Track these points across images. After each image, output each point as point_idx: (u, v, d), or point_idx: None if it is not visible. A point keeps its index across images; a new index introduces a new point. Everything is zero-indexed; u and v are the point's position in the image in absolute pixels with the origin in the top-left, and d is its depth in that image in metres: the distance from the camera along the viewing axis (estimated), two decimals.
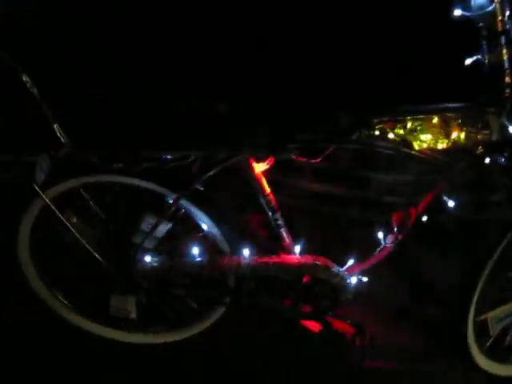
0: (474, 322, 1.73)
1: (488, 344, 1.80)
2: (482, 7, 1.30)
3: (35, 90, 1.41)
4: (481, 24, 1.32)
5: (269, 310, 1.79)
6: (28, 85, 1.39)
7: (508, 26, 1.31)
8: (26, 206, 1.67)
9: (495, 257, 1.62)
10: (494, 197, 1.83)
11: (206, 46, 1.86)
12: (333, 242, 1.75)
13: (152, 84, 1.67)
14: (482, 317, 1.73)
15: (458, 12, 1.32)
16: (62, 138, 1.46)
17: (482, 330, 1.76)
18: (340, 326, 1.76)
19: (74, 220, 1.73)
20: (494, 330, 1.77)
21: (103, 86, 1.56)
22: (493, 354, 1.81)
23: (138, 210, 1.69)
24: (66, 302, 1.90)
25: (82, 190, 1.70)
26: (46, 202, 1.63)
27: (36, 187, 1.59)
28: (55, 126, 1.44)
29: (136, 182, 1.63)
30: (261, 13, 1.87)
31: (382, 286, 1.87)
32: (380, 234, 1.70)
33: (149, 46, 1.83)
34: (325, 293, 1.73)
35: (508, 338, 1.83)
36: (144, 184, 1.63)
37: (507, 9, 1.30)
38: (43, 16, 1.50)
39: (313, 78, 1.82)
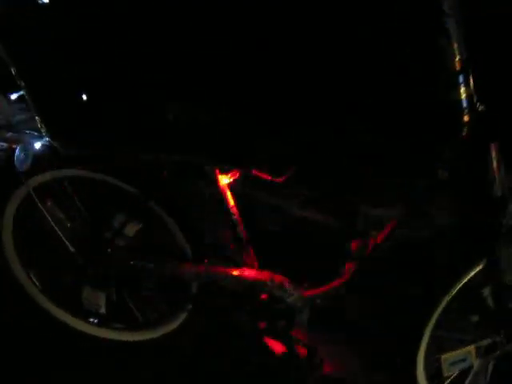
0: (425, 361, 1.71)
1: None
2: None
3: (22, 83, 1.53)
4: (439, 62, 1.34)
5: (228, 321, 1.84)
6: (15, 76, 1.51)
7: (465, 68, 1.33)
8: (9, 194, 1.79)
9: (451, 295, 1.61)
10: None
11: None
12: (297, 262, 1.76)
13: (141, 86, 1.76)
14: (437, 356, 1.71)
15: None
16: (42, 130, 1.57)
17: (435, 370, 1.74)
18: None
19: (54, 210, 1.84)
20: (449, 371, 1.74)
21: (90, 84, 1.66)
22: None
23: (112, 208, 1.78)
24: (41, 288, 2.01)
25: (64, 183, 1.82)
26: (28, 190, 1.75)
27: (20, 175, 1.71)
28: (37, 118, 1.56)
29: (109, 179, 1.72)
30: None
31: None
32: (339, 260, 1.72)
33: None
34: (279, 312, 1.76)
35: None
36: (117, 182, 1.72)
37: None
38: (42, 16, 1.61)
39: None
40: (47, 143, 1.64)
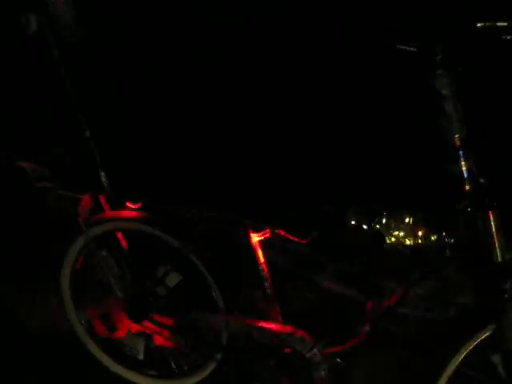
0: None
1: None
2: None
3: (88, 133, 1.81)
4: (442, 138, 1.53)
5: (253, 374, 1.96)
6: (83, 125, 1.80)
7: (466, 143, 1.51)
8: (71, 241, 2.05)
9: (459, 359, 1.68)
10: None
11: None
12: (320, 320, 1.89)
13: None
14: None
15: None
16: (104, 183, 1.84)
17: None
18: None
19: (107, 259, 2.07)
20: None
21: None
22: None
23: (157, 259, 2.00)
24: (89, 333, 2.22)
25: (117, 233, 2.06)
26: (87, 238, 2.01)
27: (82, 224, 1.97)
28: (101, 173, 1.83)
29: (156, 232, 1.95)
30: None
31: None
32: (356, 321, 1.84)
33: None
34: (299, 365, 1.87)
35: None
36: (162, 235, 1.94)
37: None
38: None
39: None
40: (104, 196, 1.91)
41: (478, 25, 1.44)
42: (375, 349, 1.76)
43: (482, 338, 1.69)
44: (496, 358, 1.70)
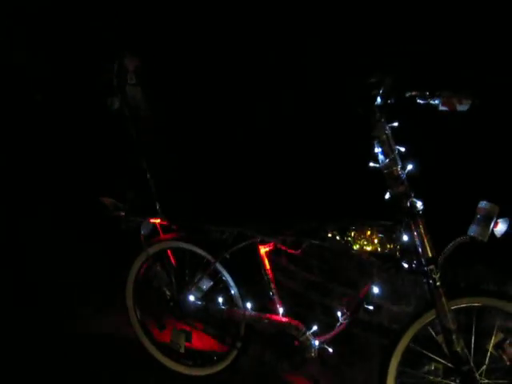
0: None
1: None
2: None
3: (145, 164, 2.54)
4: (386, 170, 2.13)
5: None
6: (145, 172, 2.53)
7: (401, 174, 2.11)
8: (134, 257, 2.75)
9: (409, 336, 2.18)
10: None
11: None
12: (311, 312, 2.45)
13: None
14: None
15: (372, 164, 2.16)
16: (158, 212, 2.56)
17: None
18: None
19: (161, 270, 2.74)
20: None
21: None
22: None
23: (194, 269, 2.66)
24: (144, 330, 2.87)
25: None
26: (148, 254, 2.70)
27: (144, 243, 2.67)
28: (157, 205, 2.55)
29: (195, 248, 2.62)
30: None
31: None
32: (338, 314, 2.38)
33: None
34: (295, 348, 2.42)
35: None
36: (197, 250, 2.61)
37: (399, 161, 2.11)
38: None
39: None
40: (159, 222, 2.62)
41: (407, 94, 2.10)
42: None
43: (427, 321, 2.20)
44: (440, 338, 2.19)
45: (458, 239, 2.10)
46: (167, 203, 2.56)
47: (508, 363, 2.20)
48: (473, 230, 2.08)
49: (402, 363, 2.23)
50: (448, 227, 2.12)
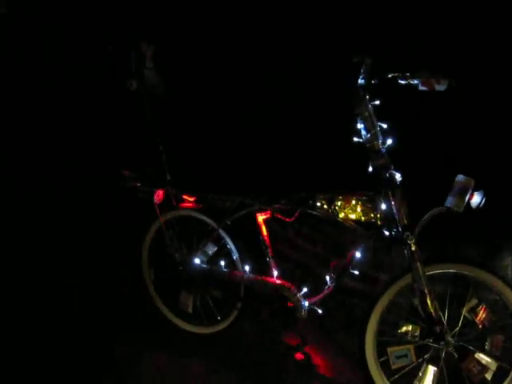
0: (374, 352, 2.39)
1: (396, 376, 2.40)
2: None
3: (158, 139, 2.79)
4: (368, 145, 2.30)
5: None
6: (159, 147, 2.79)
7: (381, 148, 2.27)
8: (151, 222, 3.02)
9: (386, 296, 2.35)
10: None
11: None
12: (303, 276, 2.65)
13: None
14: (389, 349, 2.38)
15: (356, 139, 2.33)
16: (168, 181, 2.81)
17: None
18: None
19: (172, 236, 3.00)
20: (395, 364, 2.38)
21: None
22: None
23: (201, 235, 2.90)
24: (157, 292, 3.14)
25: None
26: (161, 222, 2.96)
27: (157, 212, 2.93)
28: (167, 176, 2.81)
29: (202, 217, 2.86)
30: None
31: None
32: (327, 278, 2.57)
33: None
34: (288, 308, 2.63)
35: None
36: (204, 218, 2.85)
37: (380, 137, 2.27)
38: None
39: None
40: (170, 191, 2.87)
41: (389, 75, 2.27)
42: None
43: (403, 284, 2.36)
44: (416, 301, 2.34)
45: (435, 209, 2.26)
46: (177, 175, 2.81)
47: (480, 327, 2.34)
48: (449, 202, 2.24)
49: (380, 323, 2.39)
50: (429, 199, 2.29)
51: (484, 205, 2.24)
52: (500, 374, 2.34)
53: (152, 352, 2.90)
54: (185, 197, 2.86)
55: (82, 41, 3.69)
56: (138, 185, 2.90)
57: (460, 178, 2.25)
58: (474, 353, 2.33)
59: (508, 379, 2.34)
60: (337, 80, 2.34)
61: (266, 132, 3.04)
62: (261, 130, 3.06)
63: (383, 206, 2.31)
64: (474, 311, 2.36)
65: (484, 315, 2.35)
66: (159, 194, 2.84)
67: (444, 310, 2.35)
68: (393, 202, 2.27)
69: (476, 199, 2.24)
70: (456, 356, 2.34)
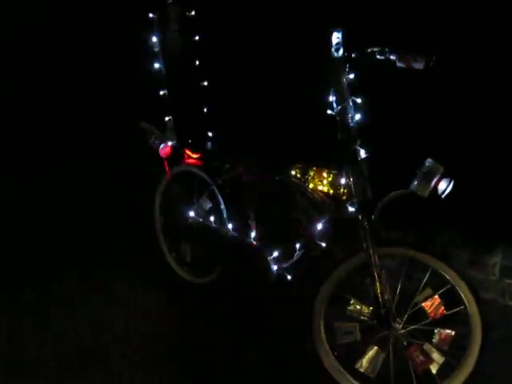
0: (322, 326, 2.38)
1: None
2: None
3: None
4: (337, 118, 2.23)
5: None
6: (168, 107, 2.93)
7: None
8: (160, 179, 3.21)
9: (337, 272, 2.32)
10: None
11: None
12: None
13: None
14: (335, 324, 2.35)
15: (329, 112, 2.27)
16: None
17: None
18: None
19: (177, 189, 3.16)
20: (340, 340, 2.35)
21: None
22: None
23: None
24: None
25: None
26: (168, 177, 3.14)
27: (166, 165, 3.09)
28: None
29: (200, 173, 2.97)
30: None
31: None
32: (296, 245, 2.58)
33: None
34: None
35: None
36: (202, 174, 2.96)
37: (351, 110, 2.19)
38: None
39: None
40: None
41: (368, 50, 2.19)
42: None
43: (356, 262, 2.29)
44: (367, 281, 2.28)
45: (397, 192, 2.17)
46: (184, 132, 2.96)
47: (430, 318, 2.23)
48: (413, 185, 2.13)
49: (330, 299, 2.36)
50: (399, 180, 2.20)
51: (451, 193, 2.12)
52: (447, 369, 2.22)
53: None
54: (189, 153, 3.00)
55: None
56: (152, 137, 3.08)
57: (429, 162, 2.13)
58: (419, 343, 2.23)
59: (453, 375, 2.21)
60: (315, 51, 2.28)
61: (257, 108, 3.11)
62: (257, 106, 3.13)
63: (342, 182, 2.26)
64: (426, 301, 2.25)
65: (436, 307, 2.23)
66: (166, 149, 2.99)
67: (395, 295, 2.26)
68: (351, 179, 2.22)
69: (442, 186, 2.12)
70: (404, 342, 2.26)
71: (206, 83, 3.06)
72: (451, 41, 2.49)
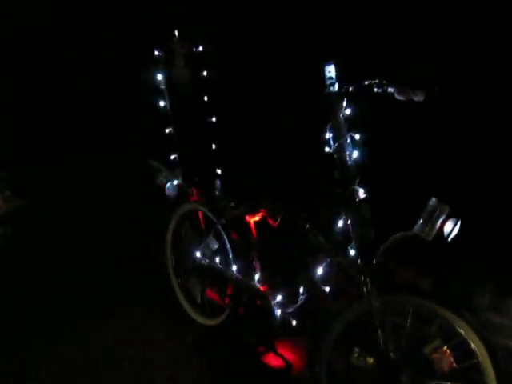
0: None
1: None
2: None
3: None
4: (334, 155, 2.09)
5: None
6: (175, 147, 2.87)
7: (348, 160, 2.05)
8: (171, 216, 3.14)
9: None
10: None
11: None
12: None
13: None
14: None
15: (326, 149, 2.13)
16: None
17: None
18: None
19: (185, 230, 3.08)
20: None
21: None
22: None
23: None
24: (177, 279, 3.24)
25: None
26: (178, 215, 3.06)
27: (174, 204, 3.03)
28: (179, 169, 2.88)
29: (206, 211, 2.88)
30: None
31: None
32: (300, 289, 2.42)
33: None
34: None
35: None
36: (206, 212, 2.87)
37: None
38: None
39: None
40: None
41: (366, 82, 2.06)
42: None
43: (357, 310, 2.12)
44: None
45: (399, 234, 2.01)
46: (190, 170, 2.90)
47: (439, 372, 2.03)
48: (417, 227, 1.97)
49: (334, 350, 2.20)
50: (401, 222, 2.04)
51: (458, 235, 1.94)
52: None
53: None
54: (195, 191, 2.92)
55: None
56: (161, 175, 3.03)
57: (433, 201, 1.96)
58: None
59: None
60: (312, 86, 2.17)
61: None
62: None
63: (340, 224, 2.11)
64: (435, 353, 2.05)
65: (446, 359, 2.03)
66: (173, 186, 2.93)
67: (401, 346, 2.08)
68: (348, 222, 2.07)
69: (448, 227, 1.94)
70: None
71: (214, 119, 3.00)
72: (451, 74, 2.32)
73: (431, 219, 1.94)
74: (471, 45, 2.34)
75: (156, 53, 2.90)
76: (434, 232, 1.93)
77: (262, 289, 2.58)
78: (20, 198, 4.38)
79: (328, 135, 2.12)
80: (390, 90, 2.00)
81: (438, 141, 2.40)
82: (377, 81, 2.02)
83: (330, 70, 2.08)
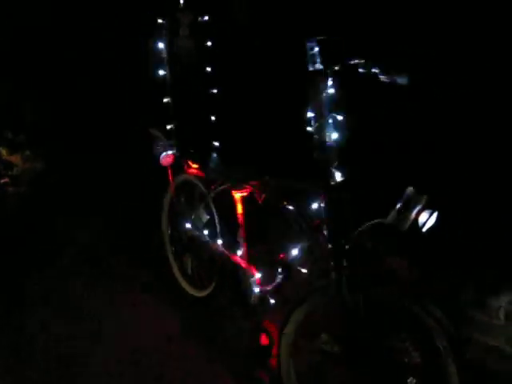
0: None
1: None
2: None
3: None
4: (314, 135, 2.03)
5: None
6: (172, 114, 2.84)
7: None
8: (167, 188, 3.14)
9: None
10: None
11: None
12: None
13: None
14: None
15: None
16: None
17: None
18: None
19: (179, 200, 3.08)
20: None
21: None
22: None
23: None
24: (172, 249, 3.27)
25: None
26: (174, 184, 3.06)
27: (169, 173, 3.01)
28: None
29: (195, 181, 2.86)
30: None
31: None
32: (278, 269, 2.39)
33: None
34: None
35: None
36: (197, 182, 2.85)
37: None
38: None
39: None
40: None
41: (351, 62, 1.98)
42: None
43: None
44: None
45: (372, 222, 1.95)
46: (185, 141, 2.87)
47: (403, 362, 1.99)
48: (391, 216, 1.91)
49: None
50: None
51: (435, 226, 1.87)
52: None
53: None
54: (190, 163, 2.91)
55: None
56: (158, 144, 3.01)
57: (409, 191, 1.89)
58: None
59: None
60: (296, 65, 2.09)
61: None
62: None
63: (314, 206, 2.06)
64: (401, 344, 2.00)
65: (410, 352, 1.99)
66: (168, 157, 2.92)
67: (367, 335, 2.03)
68: (322, 205, 2.01)
69: (423, 218, 1.87)
70: None
71: (215, 91, 2.96)
72: (437, 58, 2.19)
73: (406, 209, 1.87)
74: (458, 31, 2.21)
75: (159, 21, 2.86)
76: (409, 222, 1.86)
77: (243, 265, 2.56)
78: (37, 161, 4.49)
79: (310, 114, 2.06)
80: (374, 70, 1.91)
81: (423, 125, 2.29)
82: (362, 61, 1.94)
83: (313, 47, 2.01)
